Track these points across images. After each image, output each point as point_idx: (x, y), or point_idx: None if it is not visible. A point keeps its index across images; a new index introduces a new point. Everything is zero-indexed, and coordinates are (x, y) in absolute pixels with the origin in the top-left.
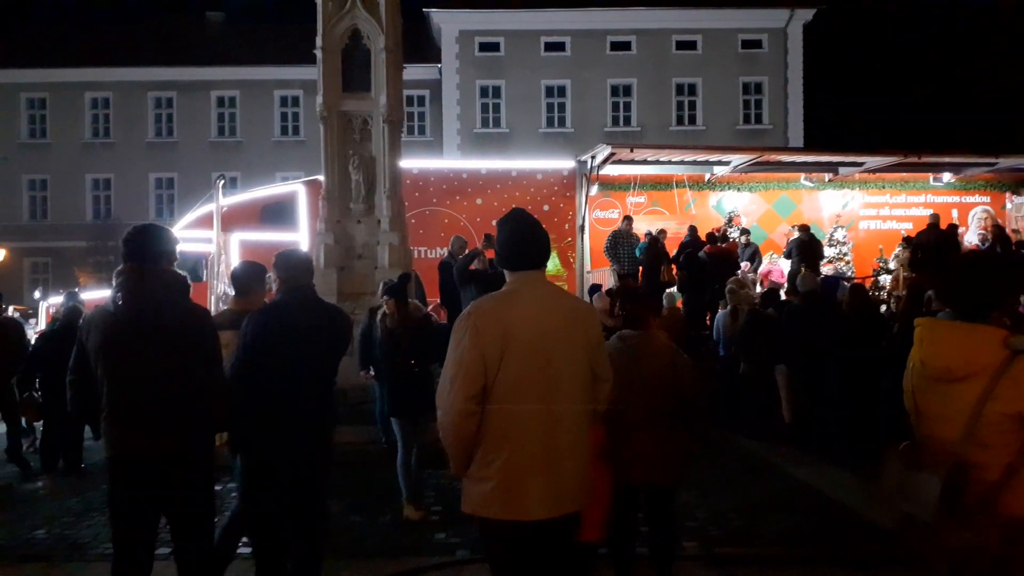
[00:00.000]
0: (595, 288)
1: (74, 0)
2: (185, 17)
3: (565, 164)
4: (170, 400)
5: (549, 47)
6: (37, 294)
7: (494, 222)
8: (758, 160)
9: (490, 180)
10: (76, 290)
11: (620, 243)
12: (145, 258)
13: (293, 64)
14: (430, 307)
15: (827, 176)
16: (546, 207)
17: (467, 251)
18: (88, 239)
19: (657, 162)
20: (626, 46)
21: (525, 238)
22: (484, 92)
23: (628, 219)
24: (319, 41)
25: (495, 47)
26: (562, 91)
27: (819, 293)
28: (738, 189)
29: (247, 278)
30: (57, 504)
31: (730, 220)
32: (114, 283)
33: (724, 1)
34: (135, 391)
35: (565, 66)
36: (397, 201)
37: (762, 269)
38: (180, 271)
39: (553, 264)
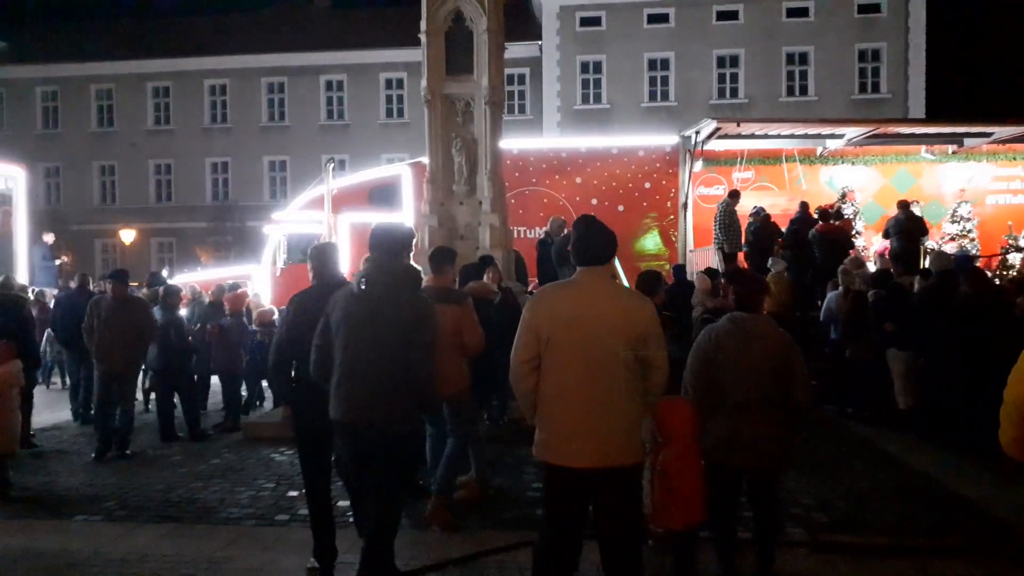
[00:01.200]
0: (712, 271)
1: None
2: (294, 4)
3: (668, 140)
4: (388, 374)
5: (652, 19)
6: (165, 272)
7: (593, 200)
8: (875, 132)
9: (590, 158)
10: (160, 271)
11: (731, 218)
12: (387, 251)
13: (397, 47)
14: (531, 286)
15: (950, 148)
16: (647, 184)
17: (565, 231)
18: (208, 220)
19: (766, 136)
20: (733, 15)
21: (590, 241)
22: (585, 68)
23: (735, 193)
24: (423, 25)
25: (596, 21)
26: (665, 64)
27: (954, 273)
28: (852, 163)
29: (440, 259)
30: (186, 470)
31: (843, 196)
32: (361, 268)
33: None
34: (361, 361)
35: (668, 38)
36: (498, 182)
37: (878, 247)
38: (414, 264)
39: (654, 243)
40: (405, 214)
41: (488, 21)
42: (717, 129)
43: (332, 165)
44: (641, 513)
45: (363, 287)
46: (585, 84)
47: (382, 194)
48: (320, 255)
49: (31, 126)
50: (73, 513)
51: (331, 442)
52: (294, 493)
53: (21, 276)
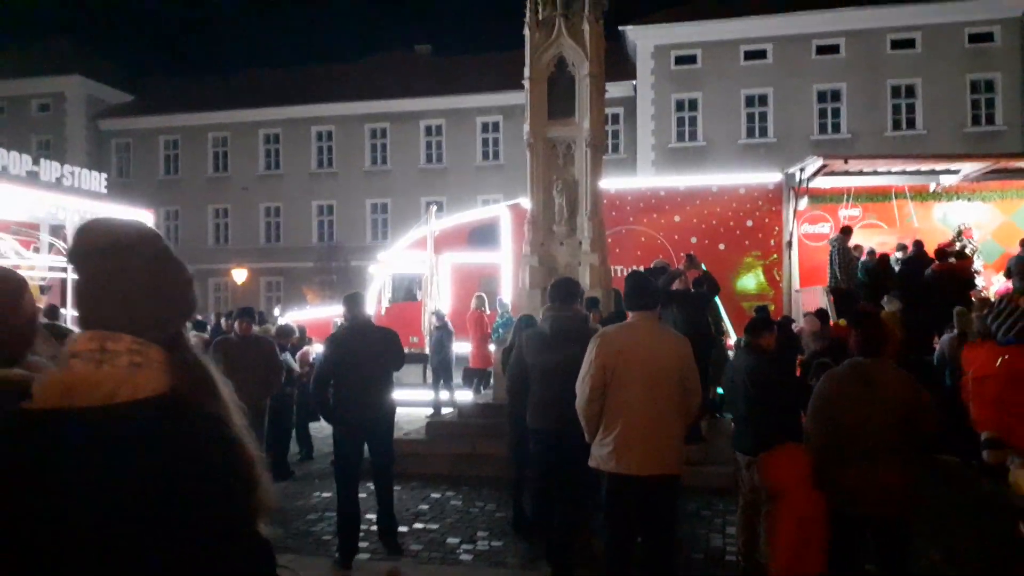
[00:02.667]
0: (822, 313)
1: (302, 45)
2: (396, 52)
3: (770, 177)
4: (570, 391)
5: (749, 55)
6: (277, 311)
7: (693, 239)
8: (993, 168)
9: (689, 196)
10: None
11: (843, 255)
12: (561, 299)
13: (493, 91)
14: None
15: None
16: (749, 222)
17: (668, 271)
18: (314, 260)
19: (874, 172)
20: (834, 49)
21: (639, 291)
22: (680, 106)
23: (847, 230)
24: (527, 71)
25: (691, 59)
26: (763, 100)
27: None
28: (968, 199)
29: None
30: (301, 502)
31: (960, 233)
32: (543, 314)
33: None
34: (554, 383)
35: (766, 74)
36: (598, 222)
37: (999, 288)
38: (582, 311)
39: (757, 281)
40: (503, 254)
41: (590, 65)
42: (823, 166)
43: (434, 208)
44: (676, 518)
45: (550, 331)
46: (680, 122)
47: (481, 235)
48: (352, 302)
49: (155, 172)
50: None
51: (361, 453)
52: (403, 529)
53: None
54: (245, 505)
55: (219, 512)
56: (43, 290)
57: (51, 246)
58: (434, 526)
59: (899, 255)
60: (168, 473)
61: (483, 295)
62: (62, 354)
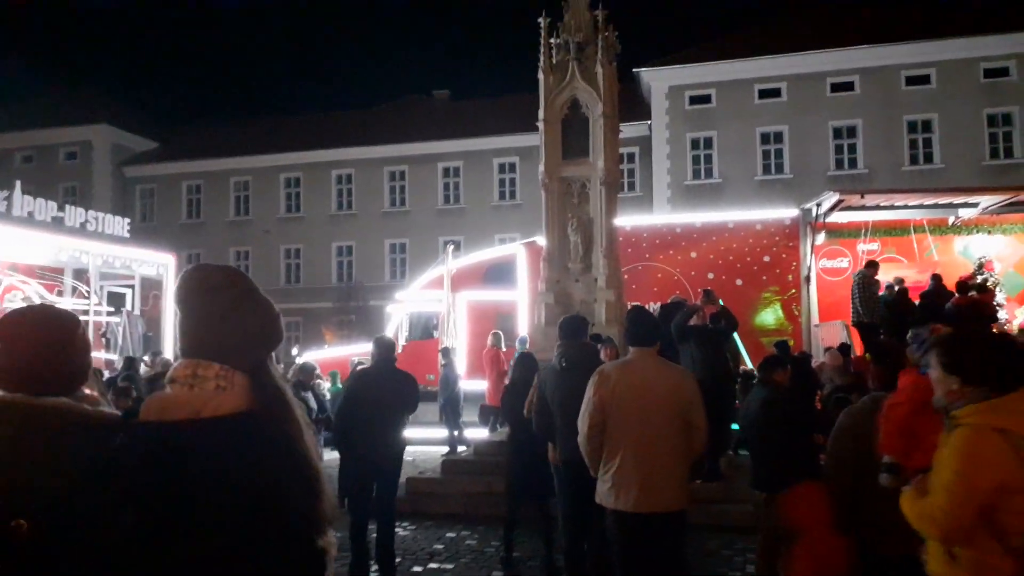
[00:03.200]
0: (845, 347)
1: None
2: (414, 97)
3: (787, 213)
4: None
5: (763, 94)
6: (294, 351)
7: (710, 275)
8: (1013, 200)
9: (705, 233)
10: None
11: (865, 290)
12: (572, 335)
13: (510, 133)
14: None
15: None
16: (766, 258)
17: (685, 307)
18: (333, 300)
19: (891, 207)
20: (848, 86)
21: (639, 328)
22: (695, 144)
23: (873, 264)
24: (541, 113)
25: (706, 99)
26: (779, 137)
27: None
28: (989, 232)
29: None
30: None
31: (980, 266)
32: (556, 352)
33: (961, 30)
34: (571, 412)
35: (781, 112)
36: (613, 259)
37: (1021, 321)
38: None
39: (775, 317)
40: (520, 291)
41: (603, 106)
42: (840, 201)
43: (451, 247)
44: (682, 556)
45: (564, 363)
46: (696, 160)
47: (498, 273)
48: (380, 344)
49: (177, 216)
50: None
51: (371, 491)
52: (418, 569)
53: (168, 354)
54: (306, 513)
55: (280, 517)
56: None
57: (74, 289)
58: (449, 566)
59: (886, 293)
60: (239, 477)
61: (499, 332)
62: (166, 379)
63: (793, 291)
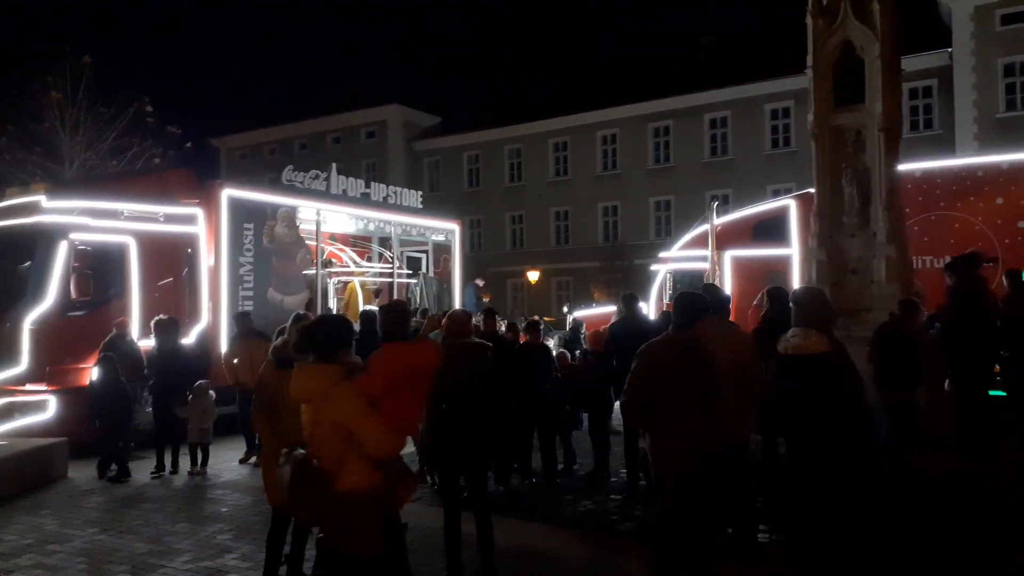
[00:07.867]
0: None
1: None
2: (679, 48)
3: None
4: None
5: None
6: (565, 308)
7: (1020, 223)
8: None
9: (1014, 174)
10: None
11: None
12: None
13: (782, 76)
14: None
15: None
16: None
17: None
18: (600, 260)
19: None
20: None
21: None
22: (1009, 70)
23: None
24: (809, 60)
25: (1021, 17)
26: None
27: None
28: None
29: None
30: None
31: None
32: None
33: None
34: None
35: None
36: (895, 211)
37: None
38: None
39: None
40: (792, 248)
41: (881, 46)
42: None
43: (716, 203)
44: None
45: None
46: (1009, 88)
47: (767, 229)
48: (628, 300)
49: (460, 186)
50: None
51: None
52: None
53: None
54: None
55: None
56: (376, 293)
57: (380, 255)
58: None
59: None
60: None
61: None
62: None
63: None
